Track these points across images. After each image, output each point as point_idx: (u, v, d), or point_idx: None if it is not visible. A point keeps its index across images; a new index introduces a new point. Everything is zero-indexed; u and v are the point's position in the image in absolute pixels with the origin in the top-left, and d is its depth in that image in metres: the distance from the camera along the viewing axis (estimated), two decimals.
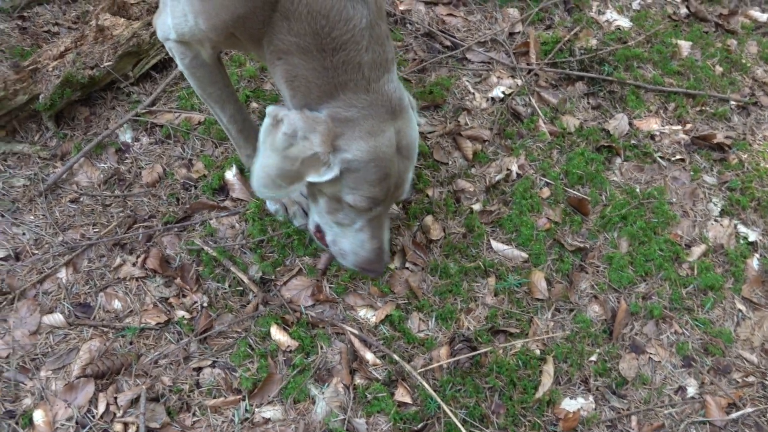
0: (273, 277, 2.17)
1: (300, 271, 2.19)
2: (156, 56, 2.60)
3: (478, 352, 2.07)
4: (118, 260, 2.15)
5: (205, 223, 2.25)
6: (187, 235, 2.22)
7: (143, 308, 2.07)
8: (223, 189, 2.34)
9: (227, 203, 2.32)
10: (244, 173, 2.35)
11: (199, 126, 2.48)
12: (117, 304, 2.07)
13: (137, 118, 2.46)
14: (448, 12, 2.99)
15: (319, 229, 2.05)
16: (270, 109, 1.75)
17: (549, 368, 2.10)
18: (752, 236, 2.51)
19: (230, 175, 2.35)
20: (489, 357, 2.08)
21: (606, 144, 2.64)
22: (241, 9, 1.66)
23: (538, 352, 2.12)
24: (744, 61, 3.06)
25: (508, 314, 2.19)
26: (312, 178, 1.73)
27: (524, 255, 2.31)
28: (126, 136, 2.45)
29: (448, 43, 2.88)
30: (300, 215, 2.26)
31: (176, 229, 2.23)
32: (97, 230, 2.22)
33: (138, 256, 2.16)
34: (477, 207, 2.40)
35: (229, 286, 2.13)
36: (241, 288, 2.13)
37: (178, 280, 2.11)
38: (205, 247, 2.18)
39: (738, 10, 3.34)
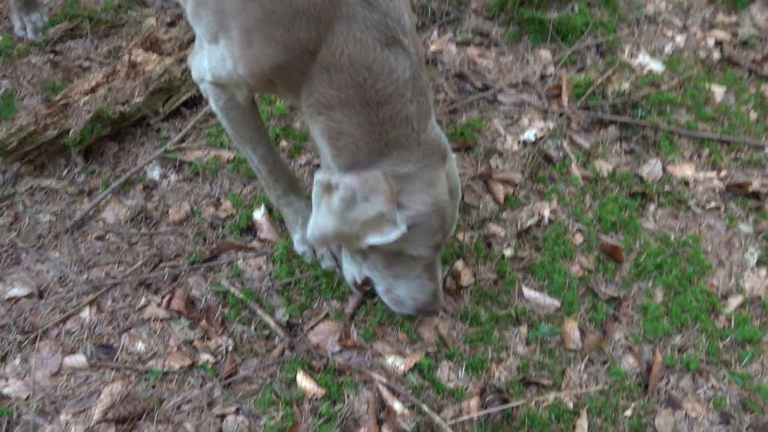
0: (300, 320, 2.13)
1: (327, 315, 2.15)
2: (187, 93, 2.60)
3: (509, 405, 2.00)
4: (143, 300, 2.12)
5: (232, 263, 2.22)
6: (214, 275, 2.19)
7: (167, 351, 2.03)
8: (250, 229, 2.32)
9: (254, 243, 2.29)
10: (272, 213, 2.32)
11: (228, 164, 2.46)
12: (140, 346, 2.03)
13: (166, 155, 2.45)
14: (479, 53, 2.98)
15: (365, 282, 2.02)
16: (319, 178, 1.74)
17: (583, 423, 2.03)
18: None
19: (258, 215, 2.32)
20: (521, 410, 2.02)
21: (639, 190, 2.59)
22: (281, 58, 1.64)
23: (571, 405, 2.06)
24: None
25: (540, 365, 2.13)
26: (374, 239, 1.72)
27: (556, 303, 2.26)
28: (154, 173, 2.43)
29: (480, 85, 2.86)
30: (328, 257, 2.22)
31: (202, 269, 2.20)
32: (122, 269, 2.19)
33: (163, 297, 2.13)
34: (508, 252, 2.35)
35: (255, 329, 2.10)
36: (268, 332, 2.09)
37: (203, 323, 2.08)
38: (232, 289, 2.15)
39: None
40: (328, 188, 1.73)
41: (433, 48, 2.98)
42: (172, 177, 2.44)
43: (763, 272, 2.47)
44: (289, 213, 2.24)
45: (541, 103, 2.84)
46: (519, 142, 2.70)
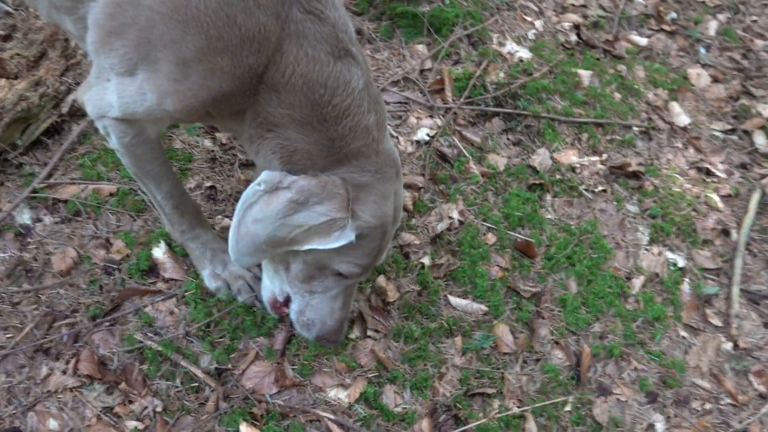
0: (229, 365, 1.97)
1: (257, 355, 2.01)
2: (47, 120, 2.30)
3: (464, 428, 2.00)
4: (44, 369, 1.87)
5: (140, 312, 2.01)
6: (122, 328, 1.98)
7: (86, 424, 1.81)
8: (152, 270, 2.11)
9: (160, 285, 2.09)
10: (173, 249, 2.13)
11: (111, 198, 2.21)
12: (53, 424, 1.79)
13: (35, 194, 2.16)
14: None
15: (283, 302, 1.90)
16: (270, 176, 1.61)
17: (531, 426, 2.07)
18: (680, 262, 2.63)
19: (159, 252, 2.11)
20: (470, 422, 2.02)
21: (536, 182, 2.66)
22: (227, 88, 1.49)
23: (516, 409, 2.09)
24: (636, 86, 3.23)
25: (479, 373, 2.14)
26: (317, 245, 1.62)
27: (483, 308, 2.27)
28: (24, 217, 2.14)
29: None
30: (245, 290, 2.08)
31: (107, 324, 1.97)
32: (10, 335, 1.91)
33: (67, 362, 1.89)
34: (426, 261, 2.33)
35: (182, 382, 1.92)
36: (196, 383, 1.92)
37: (121, 385, 1.86)
38: (146, 342, 1.94)
39: (619, 35, 3.53)
40: (274, 188, 1.61)
41: None
42: (47, 219, 2.16)
43: (655, 250, 2.64)
44: (196, 248, 2.07)
45: (426, 99, 2.83)
46: (413, 143, 2.68)
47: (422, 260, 2.33)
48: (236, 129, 1.72)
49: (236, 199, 2.30)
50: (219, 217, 2.29)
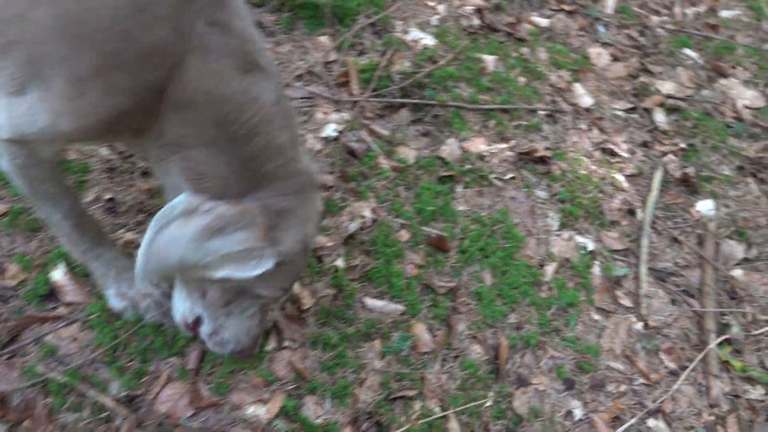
0: (140, 390, 1.90)
1: (170, 377, 1.94)
2: None
3: None
4: None
5: (40, 341, 1.91)
6: (22, 361, 1.87)
7: None
8: (52, 294, 1.99)
9: (61, 310, 1.98)
10: (74, 270, 2.02)
11: (2, 218, 2.08)
12: None
13: None
14: None
15: (196, 322, 1.84)
16: (187, 199, 1.52)
17: (453, 425, 2.08)
18: (589, 245, 2.69)
19: (58, 275, 2.00)
20: (393, 428, 2.02)
21: (446, 173, 2.66)
22: (126, 105, 1.40)
23: (438, 410, 2.10)
24: (539, 68, 3.26)
25: (399, 376, 2.13)
26: (233, 272, 1.55)
27: (400, 308, 2.26)
28: None
29: None
30: (154, 307, 2.00)
31: (5, 357, 1.87)
32: None
33: None
34: (340, 263, 2.30)
35: (91, 413, 1.83)
36: (106, 413, 1.84)
37: (25, 422, 1.77)
38: (50, 374, 1.85)
39: (521, 16, 3.55)
40: (191, 212, 1.52)
41: None
42: None
43: (565, 235, 2.69)
44: (99, 267, 1.97)
45: (331, 93, 2.78)
46: (320, 140, 2.63)
47: (336, 263, 2.30)
48: (141, 149, 1.63)
49: (138, 211, 2.23)
50: (121, 231, 2.20)
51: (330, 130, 2.64)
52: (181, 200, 1.54)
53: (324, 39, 2.92)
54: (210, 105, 1.47)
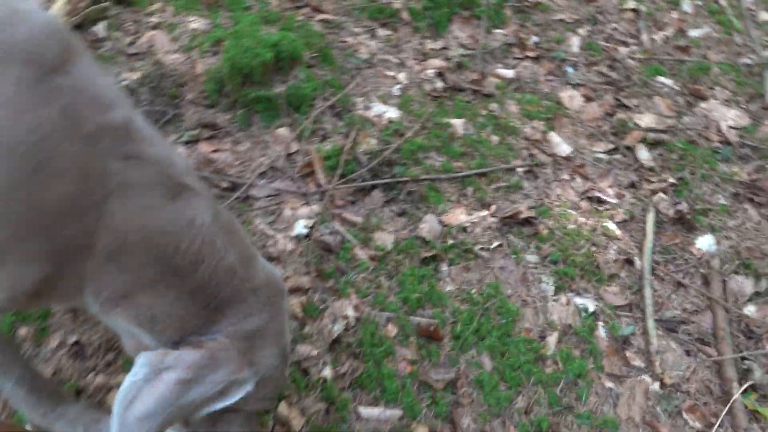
0: None
1: None
2: None
3: None
4: None
5: None
6: None
7: None
8: None
9: None
10: None
11: None
12: None
13: None
14: (213, 148, 2.74)
15: None
16: (146, 359, 1.41)
17: None
18: (590, 306, 2.58)
19: None
20: None
21: (428, 254, 2.56)
22: (48, 270, 1.31)
23: None
24: (511, 123, 3.19)
25: None
26: (219, 405, 1.46)
27: (398, 412, 2.14)
28: None
29: (226, 185, 2.63)
30: None
31: None
32: None
33: None
34: (328, 373, 2.18)
35: None
36: None
37: None
38: None
39: (485, 71, 3.49)
40: (156, 373, 1.40)
41: None
42: None
43: (563, 299, 2.58)
44: (64, 426, 1.86)
45: (297, 186, 2.70)
46: (292, 239, 2.53)
47: (324, 373, 2.18)
48: (84, 307, 1.54)
49: (107, 350, 2.13)
50: (91, 374, 2.09)
51: (300, 227, 2.55)
52: (141, 364, 1.42)
53: (283, 131, 2.85)
54: (145, 244, 1.38)
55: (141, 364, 1.42)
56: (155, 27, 3.08)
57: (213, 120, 2.82)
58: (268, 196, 2.65)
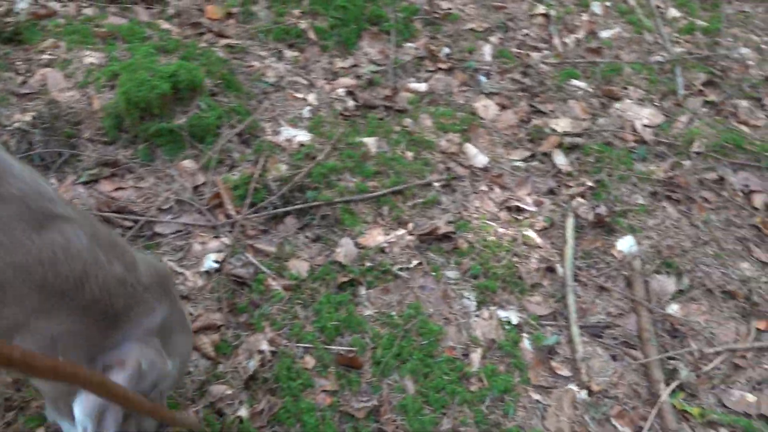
0: None
1: None
2: None
3: None
4: None
5: None
6: None
7: None
8: None
9: None
10: None
11: None
12: None
13: None
14: (114, 187, 2.67)
15: None
16: (82, 410, 1.45)
17: None
18: (513, 318, 2.58)
19: None
20: None
21: (345, 279, 2.53)
22: None
23: None
24: (426, 137, 3.19)
25: None
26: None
27: None
28: None
29: (129, 224, 2.56)
30: None
31: None
32: None
33: None
34: (244, 412, 2.12)
35: None
36: None
37: None
38: None
39: (397, 86, 3.49)
40: (99, 418, 1.47)
41: None
42: None
43: (485, 313, 2.57)
44: None
45: (206, 219, 2.64)
46: (201, 275, 2.47)
47: (239, 413, 2.12)
48: None
49: (6, 409, 2.04)
50: None
51: (210, 262, 2.49)
52: (80, 422, 1.46)
53: (188, 163, 2.78)
54: (20, 277, 1.39)
55: (81, 422, 1.46)
56: (47, 64, 2.99)
57: (113, 157, 2.74)
58: (175, 232, 2.58)
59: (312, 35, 3.59)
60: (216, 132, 2.88)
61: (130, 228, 2.55)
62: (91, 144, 2.77)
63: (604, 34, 4.23)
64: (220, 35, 3.49)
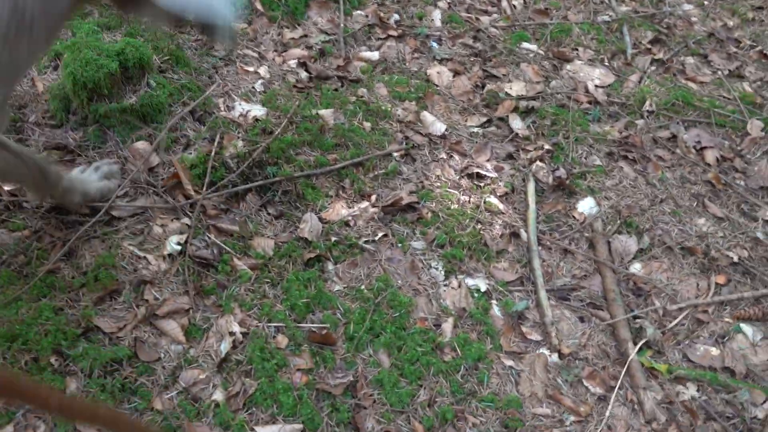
0: None
1: None
2: None
3: None
4: None
5: None
6: None
7: None
8: None
9: None
10: None
11: None
12: None
13: None
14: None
15: None
16: None
17: None
18: (482, 286, 2.60)
19: None
20: None
21: (312, 255, 2.50)
22: None
23: None
24: (383, 107, 3.16)
25: None
26: None
27: (298, 426, 2.07)
28: None
29: (86, 210, 2.48)
30: None
31: None
32: None
33: None
34: (219, 396, 2.09)
35: None
36: None
37: None
38: None
39: (350, 55, 3.45)
40: None
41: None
42: None
43: (454, 282, 2.58)
44: None
45: (164, 201, 2.57)
46: (165, 258, 2.42)
47: (214, 396, 2.09)
48: None
49: None
50: None
51: (173, 244, 2.43)
52: None
53: (141, 144, 2.70)
54: None
55: None
56: None
57: (63, 141, 2.64)
58: (132, 216, 2.52)
59: (259, 6, 3.50)
60: (168, 110, 2.80)
61: (86, 215, 2.47)
62: (38, 128, 2.66)
63: None
64: None
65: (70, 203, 2.41)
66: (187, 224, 2.51)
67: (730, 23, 4.26)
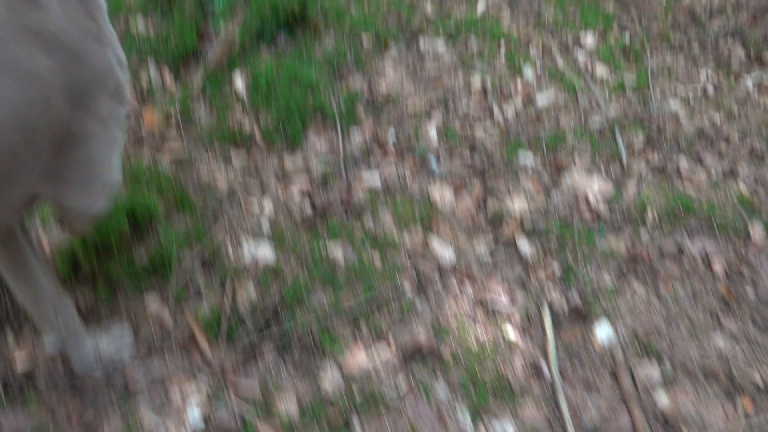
0: None
1: None
2: None
3: None
4: None
5: None
6: None
7: None
8: None
9: None
10: None
11: None
12: None
13: None
14: None
15: None
16: None
17: None
18: (509, 429, 2.54)
19: None
20: None
21: (337, 415, 2.42)
22: None
23: None
24: (389, 237, 3.13)
25: None
26: None
27: None
28: None
29: (99, 374, 2.40)
30: None
31: None
32: None
33: None
34: None
35: None
36: None
37: None
38: None
39: (351, 180, 3.43)
40: None
41: None
42: None
43: (481, 428, 2.53)
44: None
45: (183, 363, 2.50)
46: (187, 429, 2.34)
47: None
48: None
49: None
50: None
51: (194, 417, 2.35)
52: None
53: (151, 299, 2.64)
54: None
55: None
56: None
57: (74, 302, 2.58)
58: (152, 381, 2.43)
59: (257, 134, 3.49)
60: (178, 260, 2.75)
61: (104, 386, 2.39)
62: None
63: (540, 99, 4.28)
64: (164, 148, 3.35)
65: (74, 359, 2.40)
66: (207, 389, 2.44)
67: (717, 120, 4.33)
